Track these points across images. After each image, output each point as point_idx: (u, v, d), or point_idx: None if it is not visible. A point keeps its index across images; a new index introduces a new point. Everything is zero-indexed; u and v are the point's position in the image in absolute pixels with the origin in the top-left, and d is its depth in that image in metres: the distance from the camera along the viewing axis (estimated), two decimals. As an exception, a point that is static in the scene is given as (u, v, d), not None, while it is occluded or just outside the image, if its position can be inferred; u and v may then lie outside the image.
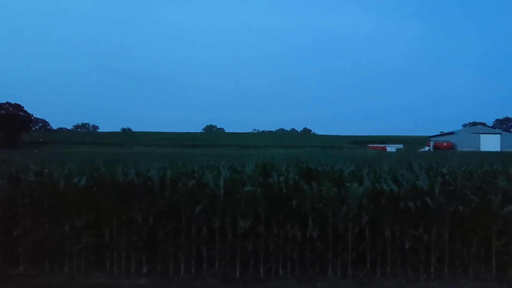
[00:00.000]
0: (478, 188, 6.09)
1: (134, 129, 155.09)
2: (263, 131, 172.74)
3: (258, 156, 19.20)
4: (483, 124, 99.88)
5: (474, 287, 5.47)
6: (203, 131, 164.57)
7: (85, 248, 5.92)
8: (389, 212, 5.79)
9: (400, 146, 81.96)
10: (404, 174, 6.43)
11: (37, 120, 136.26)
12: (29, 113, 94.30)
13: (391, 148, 76.70)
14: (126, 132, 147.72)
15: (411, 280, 5.64)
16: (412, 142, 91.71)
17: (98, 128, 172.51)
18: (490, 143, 73.94)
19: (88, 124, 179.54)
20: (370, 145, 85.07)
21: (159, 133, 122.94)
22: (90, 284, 5.58)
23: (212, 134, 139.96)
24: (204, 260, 5.83)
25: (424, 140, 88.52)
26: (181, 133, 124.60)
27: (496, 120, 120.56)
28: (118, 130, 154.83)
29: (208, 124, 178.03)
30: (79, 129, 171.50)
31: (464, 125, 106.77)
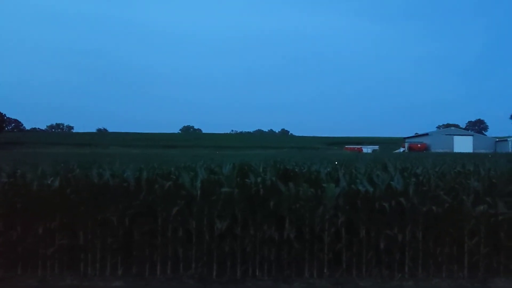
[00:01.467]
0: (451, 188, 6.21)
1: (110, 129, 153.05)
2: (241, 132, 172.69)
3: (235, 157, 19.19)
4: (456, 126, 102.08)
5: (447, 286, 5.57)
6: (180, 132, 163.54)
7: (59, 250, 5.81)
8: (365, 213, 5.86)
9: (376, 147, 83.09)
10: (379, 175, 6.50)
11: (10, 120, 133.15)
12: (2, 113, 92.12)
13: (367, 149, 77.62)
14: (102, 132, 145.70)
15: (386, 280, 5.72)
16: (387, 143, 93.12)
17: (73, 129, 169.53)
18: (463, 144, 75.65)
19: (63, 125, 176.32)
20: (346, 146, 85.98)
21: (135, 133, 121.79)
22: (64, 286, 5.48)
23: (190, 135, 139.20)
24: (181, 262, 5.79)
25: (399, 142, 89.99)
26: (158, 133, 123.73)
27: (469, 122, 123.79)
28: (94, 130, 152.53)
29: (186, 125, 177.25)
30: (53, 130, 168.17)
31: (438, 127, 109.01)
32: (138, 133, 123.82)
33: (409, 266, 5.85)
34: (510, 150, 67.99)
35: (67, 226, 5.84)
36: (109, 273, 5.79)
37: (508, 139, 79.75)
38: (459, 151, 65.13)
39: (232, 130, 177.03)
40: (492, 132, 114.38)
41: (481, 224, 5.85)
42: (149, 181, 5.98)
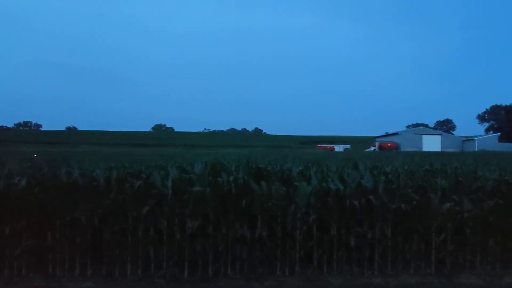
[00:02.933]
0: (419, 186, 6.36)
1: (80, 128, 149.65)
2: (214, 131, 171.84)
3: (208, 155, 19.12)
4: (425, 126, 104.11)
5: (415, 282, 5.70)
6: (152, 130, 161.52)
7: (26, 250, 5.66)
8: (336, 211, 5.93)
9: (348, 146, 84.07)
10: (350, 173, 6.60)
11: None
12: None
13: (339, 148, 78.52)
14: (71, 130, 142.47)
15: (356, 276, 5.80)
16: (359, 142, 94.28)
17: (41, 127, 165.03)
18: (431, 143, 77.42)
19: (31, 123, 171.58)
20: (319, 145, 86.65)
21: (106, 132, 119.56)
22: (31, 288, 5.36)
23: (161, 133, 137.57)
24: (152, 261, 5.73)
25: (370, 140, 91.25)
26: (129, 132, 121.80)
27: (437, 121, 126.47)
28: (63, 128, 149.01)
29: (157, 123, 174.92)
30: (21, 128, 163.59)
31: (407, 126, 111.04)
32: (109, 131, 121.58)
33: (378, 262, 5.96)
34: (476, 149, 69.92)
35: (35, 226, 5.70)
36: (78, 274, 5.69)
37: (475, 138, 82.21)
38: (427, 150, 66.56)
39: (205, 129, 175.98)
40: (460, 131, 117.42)
41: (447, 221, 6.01)
42: (119, 180, 5.90)
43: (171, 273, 5.67)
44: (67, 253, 5.71)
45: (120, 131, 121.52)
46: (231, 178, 5.97)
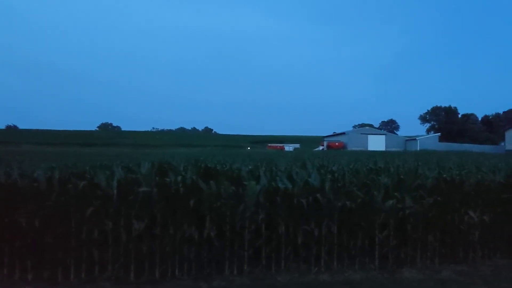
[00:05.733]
0: (363, 184, 6.56)
1: (21, 126, 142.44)
2: (163, 130, 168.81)
3: (156, 155, 18.85)
4: (371, 126, 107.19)
5: (359, 278, 5.86)
6: (98, 129, 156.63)
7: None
8: (284, 209, 6.00)
9: (297, 145, 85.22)
10: (298, 172, 6.70)
11: None
12: None
13: (289, 147, 79.50)
14: (12, 129, 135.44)
15: (303, 274, 5.90)
16: (308, 142, 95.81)
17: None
18: (376, 143, 79.80)
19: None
20: (269, 145, 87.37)
21: (49, 131, 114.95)
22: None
23: (108, 132, 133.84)
24: (96, 264, 5.58)
25: (319, 140, 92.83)
26: (74, 131, 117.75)
27: (382, 122, 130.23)
28: (2, 127, 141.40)
29: (104, 122, 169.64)
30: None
31: (354, 126, 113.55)
32: (53, 130, 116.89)
33: (324, 259, 6.09)
34: (418, 149, 72.85)
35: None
36: (18, 278, 5.46)
37: (417, 138, 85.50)
38: (373, 149, 68.97)
39: (154, 128, 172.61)
40: (403, 131, 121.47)
41: (390, 217, 6.23)
42: (62, 180, 5.70)
43: (116, 276, 5.54)
44: (6, 257, 5.46)
45: (64, 130, 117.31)
46: (179, 178, 5.91)
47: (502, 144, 77.41)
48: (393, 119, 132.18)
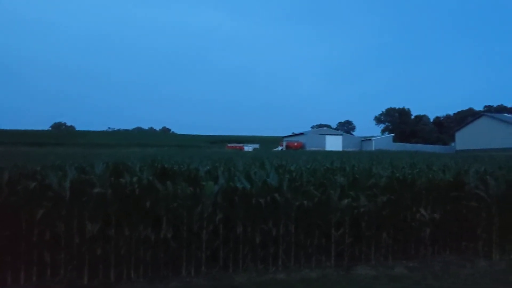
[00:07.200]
0: (320, 184, 6.67)
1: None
2: (119, 130, 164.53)
3: (111, 155, 18.46)
4: (328, 126, 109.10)
5: (315, 276, 5.95)
6: (50, 128, 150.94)
7: None
8: (242, 209, 6.02)
9: (257, 145, 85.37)
10: (257, 172, 6.73)
11: None
12: None
13: (248, 147, 79.46)
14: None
15: (260, 273, 5.93)
16: (268, 142, 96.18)
17: None
18: (334, 143, 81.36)
19: None
20: (228, 145, 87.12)
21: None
22: None
23: (61, 132, 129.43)
24: (48, 267, 5.40)
25: (278, 140, 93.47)
26: (24, 130, 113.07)
27: (339, 122, 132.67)
28: None
29: (57, 121, 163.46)
30: None
31: (312, 127, 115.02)
32: (2, 129, 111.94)
33: (282, 258, 6.14)
34: (373, 149, 74.78)
35: None
36: (-38, 285, 5.20)
37: (372, 138, 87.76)
38: (330, 149, 70.39)
39: (109, 128, 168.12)
40: (359, 132, 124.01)
41: (345, 216, 6.36)
42: (11, 182, 5.48)
43: (69, 279, 5.38)
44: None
45: (14, 129, 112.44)
46: (134, 179, 5.81)
47: (453, 144, 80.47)
48: (350, 120, 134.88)
